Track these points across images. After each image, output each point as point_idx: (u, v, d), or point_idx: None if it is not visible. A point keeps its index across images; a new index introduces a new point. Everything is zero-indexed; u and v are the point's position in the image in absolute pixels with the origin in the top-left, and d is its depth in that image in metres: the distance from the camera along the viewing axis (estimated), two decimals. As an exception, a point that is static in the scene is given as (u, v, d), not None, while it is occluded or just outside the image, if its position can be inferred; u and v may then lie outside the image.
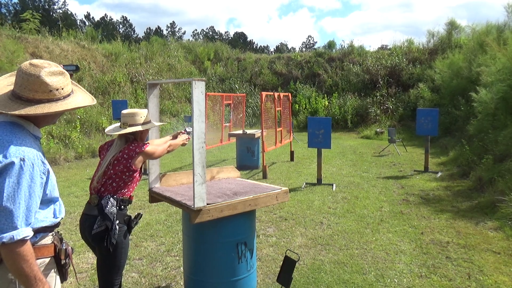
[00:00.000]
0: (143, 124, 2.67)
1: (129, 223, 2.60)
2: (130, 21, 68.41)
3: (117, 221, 2.46)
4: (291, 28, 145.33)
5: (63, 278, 1.79)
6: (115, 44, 16.92)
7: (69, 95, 1.68)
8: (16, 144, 1.51)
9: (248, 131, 9.45)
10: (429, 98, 15.10)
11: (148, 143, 2.69)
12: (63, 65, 1.88)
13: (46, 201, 1.66)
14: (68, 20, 41.39)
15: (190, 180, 3.42)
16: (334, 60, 21.76)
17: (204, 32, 67.31)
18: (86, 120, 11.98)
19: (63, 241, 1.78)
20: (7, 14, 43.82)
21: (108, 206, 2.43)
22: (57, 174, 8.69)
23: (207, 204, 2.65)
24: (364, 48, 22.32)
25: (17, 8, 45.54)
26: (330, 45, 23.94)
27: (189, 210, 2.65)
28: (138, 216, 2.70)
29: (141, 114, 2.66)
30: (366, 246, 4.36)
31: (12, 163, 1.47)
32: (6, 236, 1.44)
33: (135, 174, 2.57)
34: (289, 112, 10.60)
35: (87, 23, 52.21)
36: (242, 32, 71.16)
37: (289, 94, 10.81)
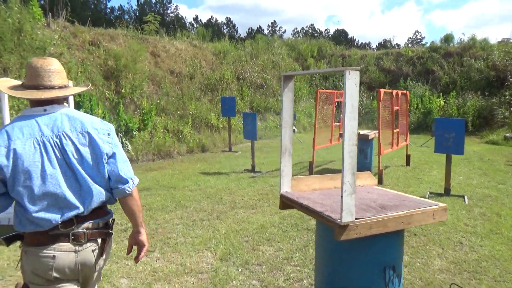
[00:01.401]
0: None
1: None
2: (233, 22, 71.38)
3: None
4: (395, 23, 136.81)
5: None
6: (223, 43, 17.45)
7: None
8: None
9: (361, 132, 8.80)
10: None
11: None
12: None
13: None
14: (179, 23, 44.58)
15: (322, 186, 3.04)
16: (451, 55, 19.63)
17: (304, 30, 66.89)
18: (197, 116, 12.48)
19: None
20: (129, 19, 48.90)
21: None
22: (171, 167, 9.12)
23: (356, 219, 2.24)
24: (489, 41, 19.72)
25: (136, 14, 50.57)
26: (447, 38, 21.63)
27: (333, 224, 2.27)
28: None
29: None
30: (530, 280, 3.51)
31: (113, 128, 1.90)
32: (136, 180, 1.89)
33: None
34: (406, 112, 9.64)
35: (195, 25, 55.66)
36: (342, 29, 68.93)
37: (407, 92, 9.83)
